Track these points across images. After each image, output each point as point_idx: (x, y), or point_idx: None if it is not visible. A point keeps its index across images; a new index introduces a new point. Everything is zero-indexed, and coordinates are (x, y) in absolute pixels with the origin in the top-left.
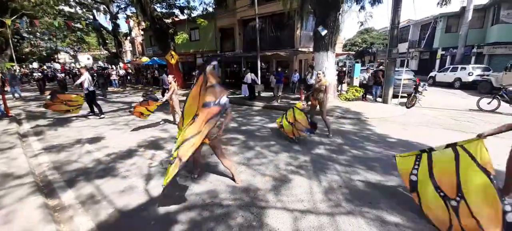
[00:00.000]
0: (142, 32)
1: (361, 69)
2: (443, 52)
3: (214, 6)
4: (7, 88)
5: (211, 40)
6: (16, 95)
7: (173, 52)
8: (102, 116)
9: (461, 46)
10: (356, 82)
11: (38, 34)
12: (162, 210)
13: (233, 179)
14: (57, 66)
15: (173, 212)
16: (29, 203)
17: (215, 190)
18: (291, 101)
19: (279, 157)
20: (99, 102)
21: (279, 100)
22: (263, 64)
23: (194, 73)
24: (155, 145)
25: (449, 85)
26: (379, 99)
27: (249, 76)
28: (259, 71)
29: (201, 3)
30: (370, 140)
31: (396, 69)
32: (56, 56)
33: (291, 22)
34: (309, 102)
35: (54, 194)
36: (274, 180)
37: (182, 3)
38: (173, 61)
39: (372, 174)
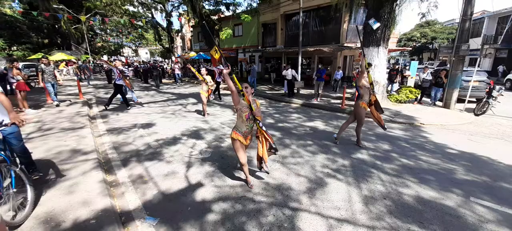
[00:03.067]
0: (191, 29)
1: (418, 68)
2: None
3: (258, 2)
4: (83, 76)
5: (253, 35)
6: (87, 83)
7: (216, 48)
8: (128, 108)
9: None
10: (411, 82)
11: (108, 31)
12: (199, 197)
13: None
14: (122, 59)
15: (208, 200)
16: (91, 177)
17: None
18: (332, 100)
19: (316, 158)
20: (152, 92)
21: (319, 99)
22: (304, 60)
23: (234, 68)
24: (196, 135)
25: None
26: (439, 103)
27: (290, 72)
28: (299, 67)
29: None
30: (424, 149)
31: (464, 69)
32: (121, 50)
33: (337, 16)
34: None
35: (112, 171)
36: (309, 182)
37: (228, 0)
38: (216, 56)
39: (425, 188)
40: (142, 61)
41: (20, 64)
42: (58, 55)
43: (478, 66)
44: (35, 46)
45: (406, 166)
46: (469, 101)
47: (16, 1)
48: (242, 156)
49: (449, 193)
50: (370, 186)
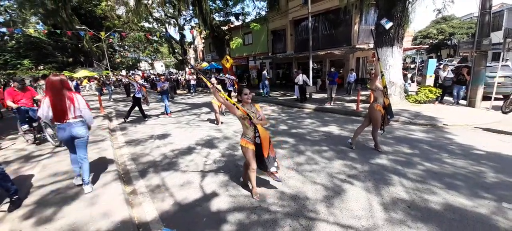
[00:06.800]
0: (203, 41)
1: (436, 66)
2: None
3: (266, 10)
4: (104, 91)
5: (263, 42)
6: (112, 97)
7: (228, 57)
8: (146, 119)
9: None
10: (429, 81)
11: (126, 46)
12: (214, 207)
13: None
14: (139, 73)
15: (223, 211)
16: (111, 188)
17: (263, 194)
18: (346, 104)
19: (333, 164)
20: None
21: (332, 103)
22: (315, 64)
23: (246, 75)
24: (210, 144)
25: None
26: (462, 101)
27: (301, 77)
28: (311, 72)
29: (254, 8)
30: (449, 151)
31: (488, 64)
32: (139, 65)
33: (347, 18)
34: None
35: (130, 182)
36: (326, 190)
37: (238, 10)
38: (228, 65)
39: (452, 195)
40: (158, 74)
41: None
42: (81, 72)
43: (502, 60)
44: (60, 65)
45: (431, 171)
46: (496, 99)
47: (41, 23)
48: (253, 162)
49: (480, 199)
50: (392, 194)
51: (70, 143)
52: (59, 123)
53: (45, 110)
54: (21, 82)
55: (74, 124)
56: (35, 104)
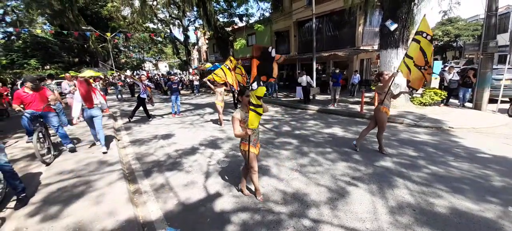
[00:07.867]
0: (206, 42)
1: (442, 68)
2: None
3: (270, 11)
4: (109, 90)
5: (266, 44)
6: (119, 96)
7: (231, 58)
8: (150, 119)
9: None
10: (434, 83)
11: (131, 47)
12: (218, 208)
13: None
14: (144, 73)
15: (227, 211)
16: (117, 187)
17: (266, 194)
18: (350, 105)
19: (337, 166)
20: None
21: (336, 104)
22: (319, 66)
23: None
24: (213, 144)
25: None
26: (468, 104)
27: (304, 78)
28: (314, 73)
29: (258, 9)
30: (455, 154)
31: (494, 66)
32: (143, 65)
33: (351, 19)
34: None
35: (135, 181)
36: (330, 192)
37: (241, 11)
38: (232, 66)
39: (459, 198)
40: (162, 74)
41: (53, 82)
42: (87, 72)
43: (509, 63)
44: (66, 65)
45: (436, 174)
46: (502, 102)
47: (47, 23)
48: (255, 164)
49: (487, 204)
50: (397, 197)
51: (90, 121)
52: (86, 107)
53: (79, 100)
54: (34, 81)
55: (93, 109)
56: (50, 108)
